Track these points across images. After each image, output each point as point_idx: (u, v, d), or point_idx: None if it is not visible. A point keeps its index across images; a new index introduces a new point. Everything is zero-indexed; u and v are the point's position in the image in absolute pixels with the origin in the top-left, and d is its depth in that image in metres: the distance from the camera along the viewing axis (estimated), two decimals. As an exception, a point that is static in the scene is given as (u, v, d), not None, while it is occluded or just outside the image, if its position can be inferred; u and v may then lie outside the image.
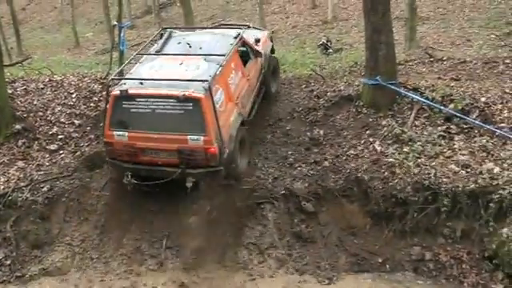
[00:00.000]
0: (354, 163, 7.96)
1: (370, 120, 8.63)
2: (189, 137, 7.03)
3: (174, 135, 7.08)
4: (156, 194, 7.74)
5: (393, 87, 8.59)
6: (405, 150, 7.93)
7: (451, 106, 8.43)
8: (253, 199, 7.75)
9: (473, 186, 7.25)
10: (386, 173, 7.69)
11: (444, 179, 7.39)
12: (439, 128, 8.21)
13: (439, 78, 9.58)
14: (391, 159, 7.83)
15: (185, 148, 7.09)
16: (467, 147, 7.87)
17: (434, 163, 7.64)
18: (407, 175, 7.56)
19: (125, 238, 7.65)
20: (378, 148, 8.08)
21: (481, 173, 7.40)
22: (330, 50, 15.11)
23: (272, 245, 7.47)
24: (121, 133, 7.23)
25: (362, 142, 8.32)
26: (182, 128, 7.03)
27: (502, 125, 8.08)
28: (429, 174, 7.50)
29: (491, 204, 7.10)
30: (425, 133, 8.16)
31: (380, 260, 7.32)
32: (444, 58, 10.93)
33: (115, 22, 11.22)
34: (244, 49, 8.56)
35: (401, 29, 14.57)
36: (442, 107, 8.38)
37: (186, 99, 6.91)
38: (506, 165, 7.49)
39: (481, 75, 9.72)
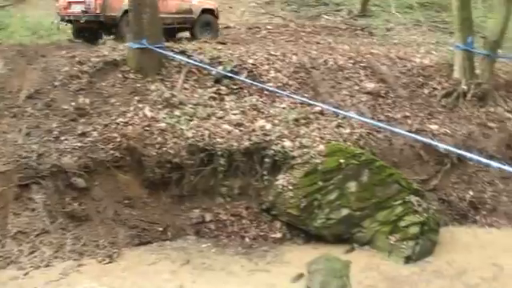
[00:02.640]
0: (125, 131, 10.48)
1: (138, 85, 11.38)
2: None
3: None
4: None
5: (159, 50, 11.56)
6: (176, 113, 10.88)
7: (220, 67, 11.96)
8: (15, 181, 9.55)
9: (247, 143, 10.58)
10: (159, 138, 10.47)
11: (218, 139, 10.60)
12: (209, 90, 11.51)
13: (206, 42, 13.17)
14: (163, 124, 10.65)
15: None
16: (238, 107, 11.32)
17: (207, 124, 10.77)
18: (181, 139, 10.47)
19: None
20: (149, 114, 10.82)
21: (253, 130, 10.85)
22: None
23: (44, 230, 9.31)
24: None
25: (132, 108, 10.96)
26: None
27: (270, 84, 11.97)
28: (202, 135, 10.58)
29: (266, 159, 10.52)
30: (195, 95, 11.34)
31: (161, 229, 9.99)
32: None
33: None
34: None
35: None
36: (212, 68, 11.79)
37: None
38: (276, 121, 11.10)
39: (245, 39, 13.67)
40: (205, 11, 16.38)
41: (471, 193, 11.63)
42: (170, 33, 14.87)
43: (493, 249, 10.37)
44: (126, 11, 13.28)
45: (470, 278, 9.37)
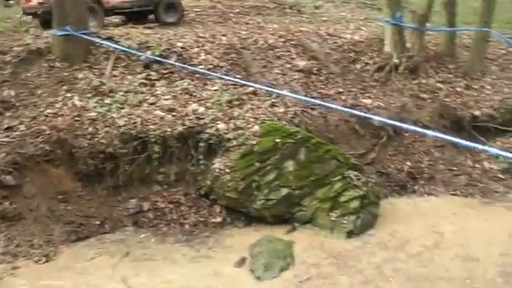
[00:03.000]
0: (54, 123, 10.56)
1: (66, 74, 11.48)
2: None
3: None
4: None
5: (86, 37, 11.71)
6: (107, 101, 11.05)
7: (149, 52, 12.19)
8: None
9: (181, 128, 10.85)
10: (90, 128, 10.62)
11: (151, 126, 10.81)
12: (139, 76, 11.72)
13: (132, 27, 13.37)
14: (93, 113, 10.81)
15: None
16: (170, 92, 11.56)
17: (138, 111, 10.97)
18: (113, 128, 10.64)
19: None
20: (78, 103, 10.95)
21: (186, 115, 11.11)
22: (12, 1, 17.56)
23: (-27, 235, 9.30)
24: None
25: (60, 99, 11.06)
26: None
27: (201, 67, 12.26)
28: (135, 123, 10.78)
29: (201, 143, 10.80)
30: (125, 82, 11.52)
31: (98, 222, 10.16)
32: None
33: None
34: None
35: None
36: (141, 53, 11.99)
37: None
38: (209, 104, 11.40)
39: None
40: None
41: (409, 163, 12.29)
42: (137, 17, 16.34)
43: (433, 217, 11.02)
44: None
45: (413, 247, 9.95)
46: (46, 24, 14.84)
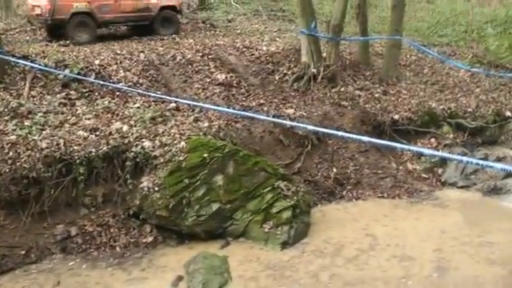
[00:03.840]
0: (-30, 149, 10.06)
1: (-20, 96, 10.85)
2: None
3: None
4: None
5: (0, 56, 11.22)
6: (26, 123, 10.54)
7: (67, 71, 11.76)
8: None
9: (105, 148, 10.49)
10: (11, 153, 10.04)
11: (75, 147, 10.40)
12: (58, 95, 11.26)
13: (47, 45, 12.89)
14: (13, 136, 10.25)
15: None
16: (91, 110, 11.20)
17: (61, 133, 10.52)
18: (35, 151, 10.15)
19: None
20: (-7, 127, 10.47)
21: (110, 133, 10.78)
22: None
23: None
24: None
25: (-26, 123, 10.45)
26: None
27: (121, 84, 11.97)
28: (58, 144, 10.33)
29: (127, 162, 10.49)
30: (44, 102, 11.05)
31: (23, 252, 9.61)
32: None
33: None
34: None
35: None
36: (59, 72, 11.56)
37: None
38: (132, 122, 11.11)
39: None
40: (165, 8, 17.77)
41: (335, 170, 12.45)
42: (139, 28, 17.41)
43: (364, 220, 11.22)
44: (73, 14, 15.82)
45: (349, 251, 10.07)
46: (52, 33, 16.24)
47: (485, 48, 19.21)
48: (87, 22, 16.21)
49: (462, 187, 12.90)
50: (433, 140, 14.16)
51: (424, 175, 13.07)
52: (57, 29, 16.13)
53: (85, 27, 16.13)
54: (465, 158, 5.36)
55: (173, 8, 18.11)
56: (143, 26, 17.49)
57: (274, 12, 23.15)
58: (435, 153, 6.52)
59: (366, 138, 6.84)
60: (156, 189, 10.38)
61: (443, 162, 13.18)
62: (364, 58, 16.21)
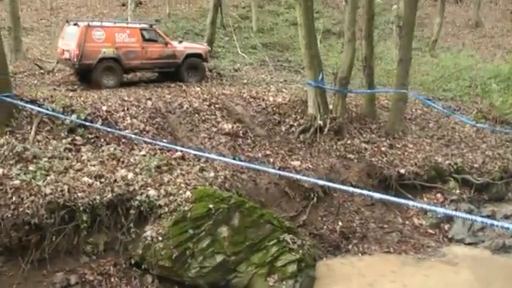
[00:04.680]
0: (-27, 193, 9.90)
1: (-16, 141, 10.74)
2: None
3: None
4: None
5: (8, 100, 11.12)
6: (31, 168, 10.39)
7: (74, 116, 11.67)
8: None
9: (110, 195, 10.34)
10: (14, 197, 9.87)
11: (79, 194, 10.24)
12: (64, 141, 11.15)
13: (55, 90, 12.84)
14: (17, 181, 10.10)
15: None
16: (96, 157, 11.06)
17: (65, 179, 10.39)
18: (38, 196, 9.99)
19: None
20: (0, 171, 10.26)
21: (115, 181, 10.64)
22: None
23: None
24: None
25: (-19, 168, 10.28)
26: None
27: (127, 131, 11.88)
28: (62, 191, 10.18)
29: (131, 211, 10.32)
30: (50, 147, 10.93)
31: (13, 299, 9.46)
32: (55, 70, 14.41)
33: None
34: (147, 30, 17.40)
35: (4, 39, 17.73)
36: (65, 117, 11.47)
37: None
38: (137, 169, 10.98)
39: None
40: (191, 55, 17.98)
41: (340, 223, 12.26)
42: (165, 76, 17.77)
43: (371, 275, 10.97)
44: (101, 59, 15.96)
45: (355, 306, 9.80)
46: (83, 78, 16.47)
47: (489, 103, 19.17)
48: (114, 68, 16.37)
49: (469, 244, 12.68)
50: (439, 195, 14.00)
51: (430, 231, 12.86)
52: (84, 73, 16.29)
53: (111, 72, 16.28)
54: (474, 217, 5.19)
55: (199, 56, 18.31)
56: (170, 73, 17.69)
57: (281, 62, 23.29)
58: (448, 212, 6.30)
59: (377, 195, 6.63)
60: (159, 238, 10.18)
61: (449, 217, 12.96)
62: (370, 110, 16.17)
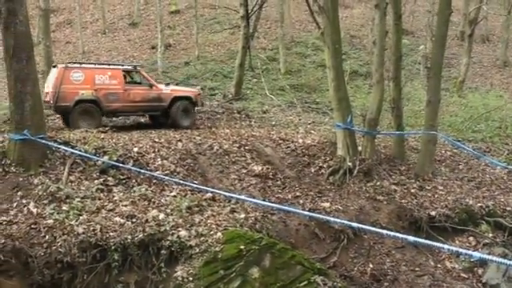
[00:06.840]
0: (9, 231, 10.01)
1: (21, 179, 11.06)
2: None
3: None
4: None
5: (43, 141, 11.39)
6: (64, 208, 10.62)
7: (105, 157, 11.93)
8: None
9: (141, 235, 10.48)
10: (47, 236, 10.10)
11: (111, 233, 10.43)
12: (96, 181, 11.40)
13: (87, 131, 13.14)
14: (50, 220, 10.33)
15: None
16: (128, 197, 11.27)
17: (97, 218, 10.59)
18: (71, 235, 10.20)
19: None
20: (34, 210, 10.46)
21: (147, 221, 10.80)
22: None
23: None
24: None
25: (15, 205, 10.58)
26: None
27: (158, 172, 12.08)
28: (94, 230, 10.38)
29: (162, 251, 10.41)
30: (82, 188, 11.17)
31: None
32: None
33: None
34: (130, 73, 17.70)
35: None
36: (97, 158, 11.73)
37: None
38: (168, 210, 11.15)
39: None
40: (178, 98, 17.84)
41: (371, 265, 12.18)
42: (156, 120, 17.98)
43: (402, 319, 10.83)
44: (78, 101, 16.07)
45: None
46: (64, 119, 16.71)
47: (520, 145, 19.12)
48: (92, 111, 16.28)
49: (504, 290, 12.43)
50: (471, 238, 13.86)
51: (463, 275, 12.69)
52: (62, 115, 16.32)
53: (89, 115, 16.18)
54: (510, 262, 5.15)
55: (188, 99, 18.20)
56: (160, 116, 17.67)
57: (308, 104, 23.52)
58: (484, 256, 6.29)
59: (410, 238, 6.65)
60: (190, 279, 10.18)
61: (483, 261, 12.80)
62: (399, 152, 16.21)
